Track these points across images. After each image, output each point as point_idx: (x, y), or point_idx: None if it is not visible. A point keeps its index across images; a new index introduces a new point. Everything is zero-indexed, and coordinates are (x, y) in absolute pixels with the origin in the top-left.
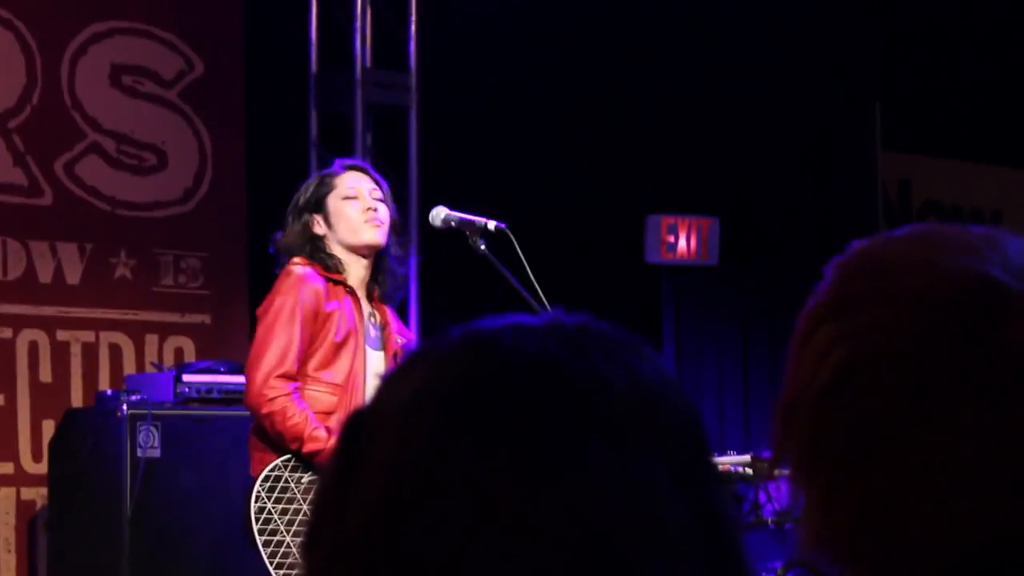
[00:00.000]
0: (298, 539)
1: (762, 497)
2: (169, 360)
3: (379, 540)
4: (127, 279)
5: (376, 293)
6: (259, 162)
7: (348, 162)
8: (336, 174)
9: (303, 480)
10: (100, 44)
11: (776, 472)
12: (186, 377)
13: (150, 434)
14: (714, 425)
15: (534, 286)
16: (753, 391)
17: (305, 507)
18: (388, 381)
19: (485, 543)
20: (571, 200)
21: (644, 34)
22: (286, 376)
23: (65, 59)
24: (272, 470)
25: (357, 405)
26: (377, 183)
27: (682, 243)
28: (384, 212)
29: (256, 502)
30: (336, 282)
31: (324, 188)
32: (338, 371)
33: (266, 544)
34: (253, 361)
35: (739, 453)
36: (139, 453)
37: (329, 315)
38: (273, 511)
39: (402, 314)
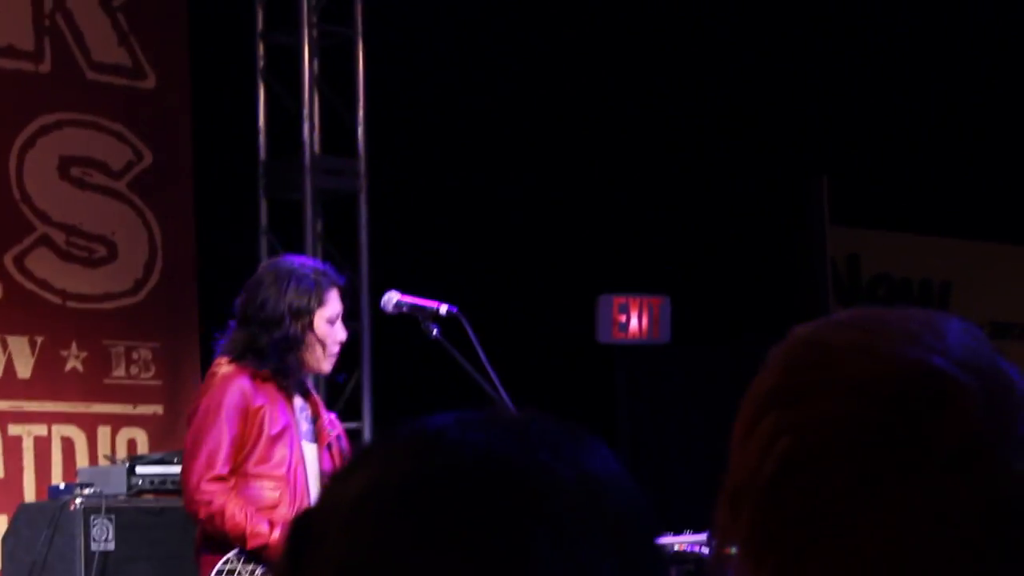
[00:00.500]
0: None
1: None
2: (122, 452)
3: None
4: (78, 371)
5: (305, 384)
6: (210, 251)
7: (334, 277)
8: (326, 288)
9: (256, 573)
10: (48, 136)
11: (726, 553)
12: (140, 469)
13: (104, 527)
14: (669, 504)
15: (487, 369)
16: (708, 470)
17: None
18: (334, 480)
19: None
20: (522, 282)
21: (591, 116)
22: (217, 478)
23: (13, 152)
24: (224, 563)
25: (300, 496)
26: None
27: (634, 322)
28: None
29: None
30: (265, 379)
31: (316, 301)
32: (277, 464)
33: None
34: (185, 468)
35: (695, 532)
36: (93, 547)
37: (258, 410)
38: None
39: (355, 400)
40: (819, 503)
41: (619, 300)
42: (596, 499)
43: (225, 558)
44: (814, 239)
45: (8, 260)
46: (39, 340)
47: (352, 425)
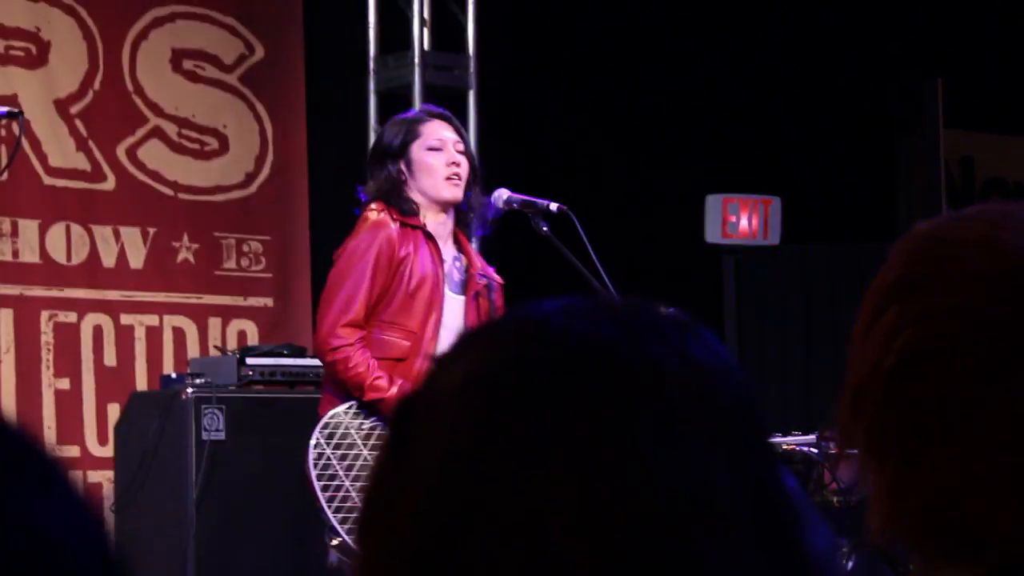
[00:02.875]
0: (357, 484)
1: (826, 477)
2: (232, 343)
3: (429, 531)
4: (190, 263)
5: (460, 236)
6: (320, 144)
7: (433, 110)
8: (421, 121)
9: (364, 426)
10: (161, 28)
11: (843, 456)
12: (250, 360)
13: (215, 417)
14: (776, 405)
15: (597, 268)
16: (816, 371)
17: (366, 452)
18: (440, 364)
19: (536, 533)
20: (632, 181)
21: (704, 15)
22: (352, 324)
23: (126, 44)
24: (332, 417)
25: (427, 351)
26: (460, 134)
27: (743, 223)
28: (465, 167)
29: (315, 448)
30: (413, 226)
31: (409, 136)
32: (412, 317)
33: (324, 489)
34: (323, 307)
35: (802, 433)
36: (204, 436)
37: (402, 260)
38: (332, 457)
39: None
40: (944, 394)
41: (729, 200)
42: (704, 390)
43: (333, 412)
44: (928, 141)
45: (121, 152)
46: (151, 231)
47: None
